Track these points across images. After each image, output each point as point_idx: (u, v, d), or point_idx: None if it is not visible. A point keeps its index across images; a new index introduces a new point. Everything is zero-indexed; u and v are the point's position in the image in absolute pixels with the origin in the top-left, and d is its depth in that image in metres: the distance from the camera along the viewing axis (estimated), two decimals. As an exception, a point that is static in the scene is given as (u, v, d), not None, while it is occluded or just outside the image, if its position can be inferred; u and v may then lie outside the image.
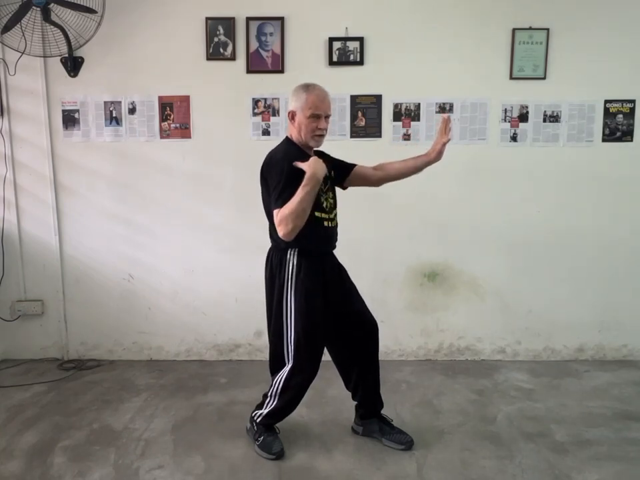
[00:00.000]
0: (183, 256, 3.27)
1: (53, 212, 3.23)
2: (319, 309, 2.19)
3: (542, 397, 2.80)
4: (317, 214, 2.14)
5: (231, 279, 3.28)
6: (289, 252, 2.17)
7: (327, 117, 2.16)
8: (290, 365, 2.23)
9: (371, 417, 2.40)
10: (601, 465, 2.19)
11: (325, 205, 2.19)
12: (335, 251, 2.33)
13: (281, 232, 2.03)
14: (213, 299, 3.29)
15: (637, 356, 3.30)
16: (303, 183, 2.00)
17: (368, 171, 2.37)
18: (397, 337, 3.30)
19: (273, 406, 2.29)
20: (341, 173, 2.33)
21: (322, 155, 2.27)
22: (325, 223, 2.20)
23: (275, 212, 2.05)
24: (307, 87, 2.15)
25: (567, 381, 3.02)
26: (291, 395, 2.27)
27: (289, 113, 2.18)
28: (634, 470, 2.17)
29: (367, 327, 2.33)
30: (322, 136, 2.17)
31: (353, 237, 3.12)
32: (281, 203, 2.02)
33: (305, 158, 2.11)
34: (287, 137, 2.24)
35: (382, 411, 2.43)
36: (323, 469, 2.18)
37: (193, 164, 3.20)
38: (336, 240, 2.30)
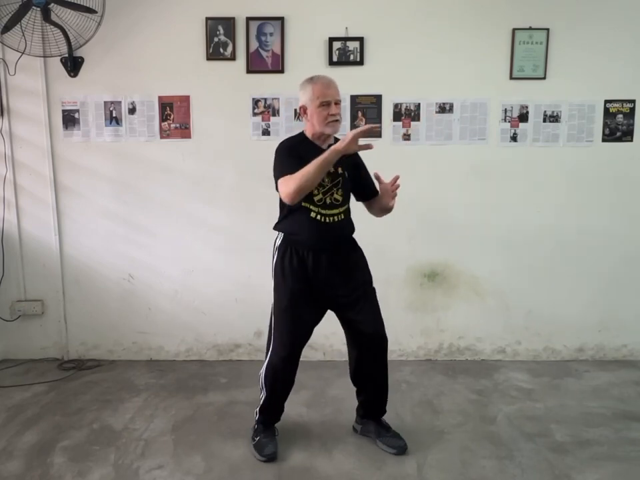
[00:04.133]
0: (183, 256, 3.27)
1: (53, 212, 3.23)
2: (295, 294, 2.19)
3: (542, 397, 2.80)
4: (303, 204, 2.16)
5: (231, 279, 3.28)
6: (277, 235, 2.26)
7: (337, 102, 2.16)
8: (270, 349, 2.29)
9: (368, 418, 2.41)
10: (601, 465, 2.19)
11: (318, 198, 2.17)
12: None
13: (282, 193, 2.10)
14: (213, 299, 3.29)
15: (637, 356, 3.30)
16: (331, 150, 2.03)
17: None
18: (397, 337, 3.29)
19: (263, 398, 2.33)
20: (361, 192, 2.36)
21: (348, 155, 2.21)
22: (316, 216, 2.17)
23: (280, 179, 2.11)
24: (312, 79, 2.19)
25: (567, 380, 3.02)
26: (272, 381, 2.29)
27: (300, 108, 2.21)
28: (634, 470, 2.17)
29: (370, 341, 2.28)
30: (337, 121, 2.16)
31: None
32: (282, 172, 2.11)
33: (312, 150, 2.15)
34: (302, 131, 2.27)
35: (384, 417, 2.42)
36: (322, 469, 2.18)
37: (193, 164, 3.20)
38: (335, 238, 2.23)
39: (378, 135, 3.15)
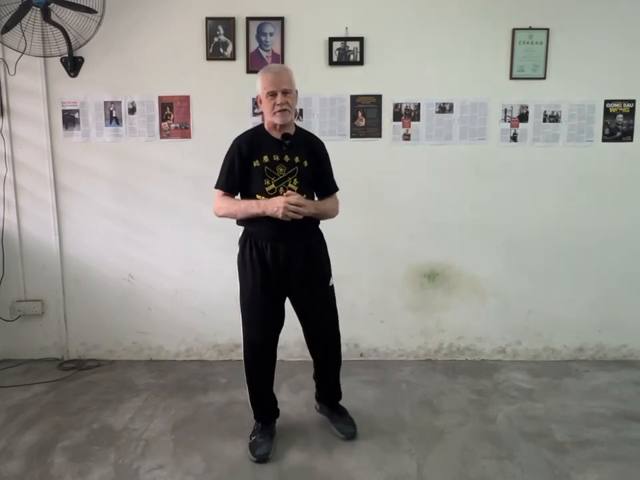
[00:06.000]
0: (183, 256, 3.27)
1: (53, 212, 3.23)
2: (256, 284, 2.23)
3: (542, 397, 2.80)
4: (257, 195, 2.21)
5: (231, 279, 3.23)
6: (240, 229, 2.31)
7: (285, 92, 2.18)
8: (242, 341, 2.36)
9: (322, 402, 2.54)
10: (601, 465, 2.19)
11: (270, 188, 2.19)
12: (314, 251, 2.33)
13: (213, 205, 2.29)
14: (213, 299, 3.29)
15: (637, 356, 3.30)
16: (259, 204, 2.15)
17: None
18: (397, 337, 3.30)
19: (248, 392, 2.39)
20: (315, 187, 2.35)
21: (304, 139, 2.30)
22: None
23: (215, 190, 2.28)
24: (263, 69, 2.26)
25: (567, 381, 3.02)
26: (247, 371, 2.35)
27: (257, 99, 2.28)
28: (634, 470, 2.17)
29: (322, 338, 2.40)
30: (283, 111, 2.17)
31: (353, 237, 3.14)
32: (219, 183, 2.28)
33: (265, 140, 2.23)
34: (262, 122, 2.34)
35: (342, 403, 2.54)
36: (322, 469, 2.18)
37: (193, 164, 3.20)
38: (291, 228, 2.17)
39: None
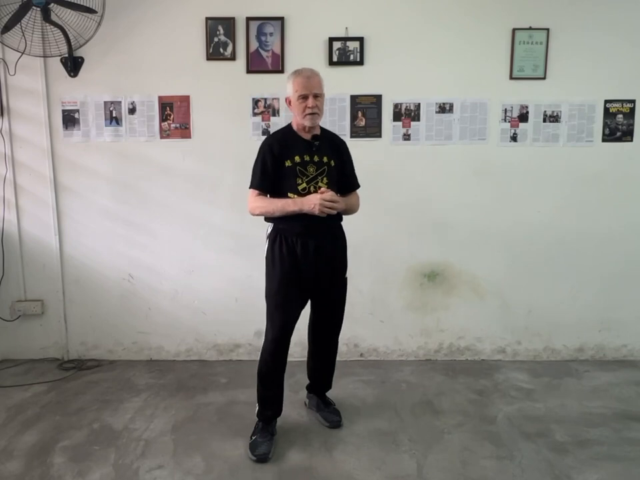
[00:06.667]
0: (183, 256, 3.27)
1: (53, 212, 3.23)
2: (284, 279, 2.27)
3: (542, 397, 2.80)
4: (289, 194, 2.27)
5: (231, 279, 3.27)
6: (268, 225, 2.34)
7: (316, 95, 2.24)
8: (264, 335, 2.38)
9: (313, 392, 2.63)
10: (601, 465, 2.19)
11: (302, 187, 2.26)
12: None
13: (248, 204, 2.33)
14: (213, 299, 3.29)
15: (637, 356, 3.30)
16: (295, 202, 2.20)
17: None
18: (397, 337, 3.30)
19: (257, 389, 2.39)
20: (339, 183, 2.40)
21: (329, 139, 2.37)
22: None
23: (250, 190, 2.32)
24: (295, 72, 2.30)
25: (567, 380, 3.02)
26: (260, 368, 2.36)
27: (285, 100, 2.34)
28: (634, 470, 2.17)
29: (329, 326, 2.50)
30: (314, 114, 2.25)
31: (353, 237, 3.12)
32: (254, 183, 2.31)
33: (295, 140, 2.29)
34: (290, 122, 2.39)
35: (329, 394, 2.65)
36: (322, 469, 2.18)
37: (193, 164, 3.20)
38: (321, 225, 2.26)
39: (376, 136, 3.17)
